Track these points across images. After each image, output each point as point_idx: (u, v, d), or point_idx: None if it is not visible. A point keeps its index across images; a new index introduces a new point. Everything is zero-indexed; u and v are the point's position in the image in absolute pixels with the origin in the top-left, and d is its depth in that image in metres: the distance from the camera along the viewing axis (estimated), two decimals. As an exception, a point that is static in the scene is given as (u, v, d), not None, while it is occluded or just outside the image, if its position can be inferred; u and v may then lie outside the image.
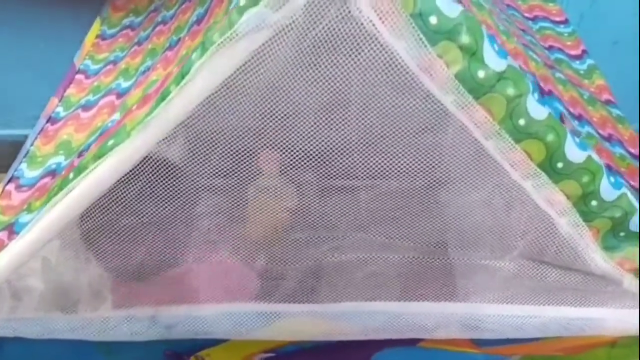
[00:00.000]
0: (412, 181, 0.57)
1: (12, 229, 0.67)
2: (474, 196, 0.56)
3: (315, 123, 0.56)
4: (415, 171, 0.56)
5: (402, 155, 0.55)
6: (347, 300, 0.65)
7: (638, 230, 0.58)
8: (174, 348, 0.66)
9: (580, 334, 0.65)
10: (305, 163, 0.61)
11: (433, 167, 0.55)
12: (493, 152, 0.52)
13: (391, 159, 0.55)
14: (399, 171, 0.55)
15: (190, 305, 0.64)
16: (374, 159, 0.55)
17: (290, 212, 0.70)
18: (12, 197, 0.75)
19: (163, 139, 0.52)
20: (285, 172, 0.66)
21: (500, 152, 0.52)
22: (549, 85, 0.78)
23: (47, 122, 0.84)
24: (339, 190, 0.66)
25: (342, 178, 0.62)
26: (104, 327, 0.63)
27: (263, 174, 0.70)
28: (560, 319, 0.64)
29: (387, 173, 0.56)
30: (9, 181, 0.78)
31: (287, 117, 0.58)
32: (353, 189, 0.65)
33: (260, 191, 0.71)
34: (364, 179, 0.63)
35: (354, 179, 0.63)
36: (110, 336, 0.64)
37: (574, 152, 0.53)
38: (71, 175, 0.57)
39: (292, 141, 0.59)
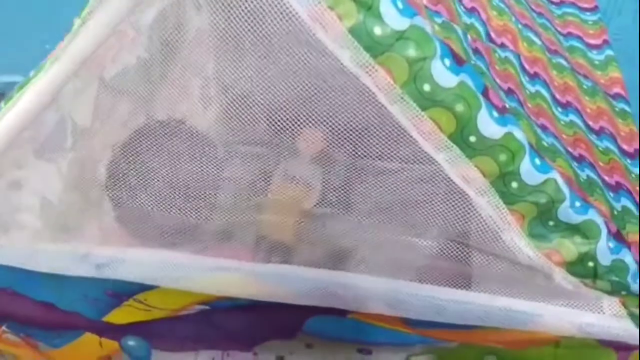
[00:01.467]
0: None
1: None
2: (389, 165, 0.54)
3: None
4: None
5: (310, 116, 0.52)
6: (277, 262, 0.64)
7: (568, 220, 0.54)
8: (113, 288, 0.68)
9: (516, 327, 0.61)
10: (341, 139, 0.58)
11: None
12: (400, 118, 0.49)
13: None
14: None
15: (119, 248, 0.66)
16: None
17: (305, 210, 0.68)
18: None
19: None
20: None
21: (407, 119, 0.49)
22: (536, 68, 0.74)
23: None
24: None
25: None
26: (41, 258, 0.66)
27: (300, 154, 0.67)
28: (485, 308, 0.60)
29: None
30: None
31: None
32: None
33: (284, 178, 0.71)
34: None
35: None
36: (49, 268, 0.66)
37: (490, 127, 0.50)
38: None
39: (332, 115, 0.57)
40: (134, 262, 0.64)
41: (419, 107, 0.48)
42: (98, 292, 0.69)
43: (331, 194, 0.57)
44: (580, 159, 0.66)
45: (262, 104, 0.60)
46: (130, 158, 0.75)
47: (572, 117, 0.69)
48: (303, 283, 0.63)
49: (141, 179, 0.73)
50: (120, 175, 0.77)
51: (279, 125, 0.56)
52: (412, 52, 0.47)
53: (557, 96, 0.70)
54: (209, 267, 0.64)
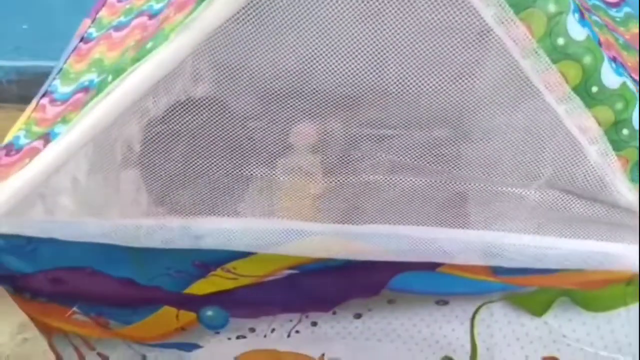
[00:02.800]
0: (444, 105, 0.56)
1: (48, 138, 0.67)
2: (505, 120, 0.55)
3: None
4: (449, 92, 0.55)
5: (438, 75, 0.54)
6: (371, 222, 0.65)
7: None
8: (202, 259, 0.67)
9: (600, 268, 0.65)
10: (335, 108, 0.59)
11: (467, 88, 0.54)
12: (529, 71, 0.51)
13: (425, 78, 0.54)
14: (432, 90, 0.54)
15: (218, 218, 0.65)
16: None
17: (315, 198, 0.69)
18: (46, 110, 0.75)
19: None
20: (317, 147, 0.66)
21: (536, 72, 0.51)
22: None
23: (80, 41, 0.84)
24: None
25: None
26: (137, 234, 0.64)
27: (294, 150, 0.69)
28: (581, 252, 0.63)
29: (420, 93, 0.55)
30: (43, 95, 0.78)
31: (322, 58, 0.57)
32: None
33: (288, 172, 0.71)
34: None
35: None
36: (141, 243, 0.65)
37: (610, 77, 0.52)
38: (110, 78, 0.57)
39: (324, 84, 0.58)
40: (233, 230, 0.63)
41: (550, 60, 0.50)
42: (184, 264, 0.68)
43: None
44: None
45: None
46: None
47: (621, 70, 0.72)
48: (395, 241, 0.64)
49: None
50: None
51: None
52: (551, 7, 0.48)
53: (606, 52, 0.73)
54: (306, 231, 0.64)
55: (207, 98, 0.80)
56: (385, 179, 0.61)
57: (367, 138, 0.66)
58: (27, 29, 1.50)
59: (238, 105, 0.73)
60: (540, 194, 0.59)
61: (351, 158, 0.64)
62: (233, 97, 0.66)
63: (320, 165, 0.68)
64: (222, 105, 0.78)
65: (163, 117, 0.82)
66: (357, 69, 0.55)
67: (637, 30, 0.90)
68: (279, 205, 0.70)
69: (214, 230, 0.63)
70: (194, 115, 0.73)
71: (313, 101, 0.58)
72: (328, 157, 0.67)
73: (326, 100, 0.58)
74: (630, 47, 0.85)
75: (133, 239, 0.64)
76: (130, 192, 0.79)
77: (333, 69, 0.55)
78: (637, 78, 0.76)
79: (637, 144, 0.55)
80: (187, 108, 0.77)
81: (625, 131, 0.55)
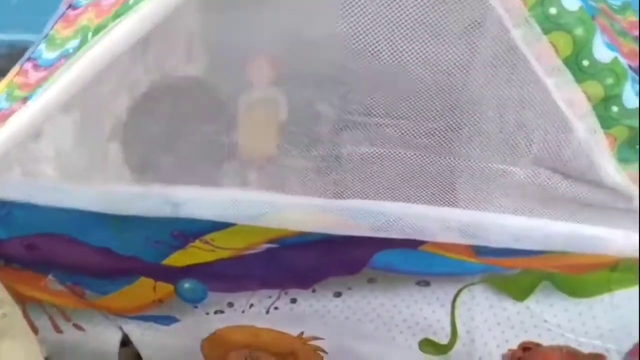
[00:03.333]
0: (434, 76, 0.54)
1: (27, 102, 0.65)
2: (494, 92, 0.53)
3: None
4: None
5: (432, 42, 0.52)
6: (353, 197, 0.63)
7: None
8: (180, 229, 0.65)
9: (584, 251, 0.63)
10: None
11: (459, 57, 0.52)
12: (520, 42, 0.49)
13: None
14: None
15: (198, 187, 0.63)
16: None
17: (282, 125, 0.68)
18: (29, 75, 0.73)
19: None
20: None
21: (527, 43, 0.49)
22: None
23: (68, 8, 0.82)
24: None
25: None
26: (116, 201, 0.62)
27: (253, 86, 0.69)
28: (565, 234, 0.62)
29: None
30: (27, 60, 0.76)
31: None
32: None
33: (251, 104, 0.71)
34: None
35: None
36: (121, 210, 0.62)
37: (602, 51, 0.50)
38: (90, 35, 0.55)
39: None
40: (213, 200, 0.61)
41: (542, 30, 0.48)
42: (163, 234, 0.66)
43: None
44: None
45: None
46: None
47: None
48: (381, 216, 0.62)
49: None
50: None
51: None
52: (544, -25, 0.46)
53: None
54: (287, 203, 0.62)
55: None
56: (370, 151, 0.59)
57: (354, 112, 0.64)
58: (18, 3, 1.47)
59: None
60: (526, 172, 0.57)
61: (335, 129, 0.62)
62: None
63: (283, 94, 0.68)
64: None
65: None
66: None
67: (634, 19, 0.88)
68: (242, 143, 0.70)
69: (193, 198, 0.61)
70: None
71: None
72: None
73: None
74: (627, 34, 0.83)
75: (112, 206, 0.62)
76: (115, 163, 0.77)
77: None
78: (633, 64, 0.75)
79: (627, 123, 0.53)
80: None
81: (614, 108, 0.53)
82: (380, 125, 0.66)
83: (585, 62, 0.50)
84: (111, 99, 0.84)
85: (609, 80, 0.52)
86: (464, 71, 0.53)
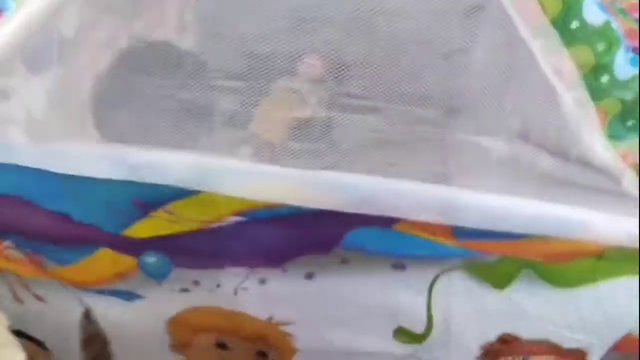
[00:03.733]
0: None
1: None
2: (476, 57, 0.49)
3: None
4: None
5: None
6: (328, 168, 0.59)
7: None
8: (140, 196, 0.61)
9: (567, 236, 0.59)
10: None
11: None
12: (504, -1, 0.44)
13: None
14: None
15: (157, 149, 0.58)
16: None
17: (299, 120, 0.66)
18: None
19: None
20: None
21: (510, -1, 0.44)
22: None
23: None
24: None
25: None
26: (70, 159, 0.58)
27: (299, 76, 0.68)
28: (547, 216, 0.57)
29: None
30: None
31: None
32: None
33: (282, 89, 0.68)
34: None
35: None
36: (73, 169, 0.58)
37: (593, 12, 0.46)
38: None
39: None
40: (176, 164, 0.57)
41: (527, -16, 0.43)
42: (123, 200, 0.62)
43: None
44: None
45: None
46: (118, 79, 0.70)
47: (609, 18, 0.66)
48: (353, 190, 0.58)
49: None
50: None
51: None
52: None
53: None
54: (257, 172, 0.58)
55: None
56: (344, 117, 0.55)
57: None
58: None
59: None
60: (508, 147, 0.53)
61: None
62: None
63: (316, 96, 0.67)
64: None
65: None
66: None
67: (635, 1, 0.84)
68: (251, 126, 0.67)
69: (151, 161, 0.57)
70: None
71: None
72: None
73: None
74: (628, 14, 0.79)
75: (65, 165, 0.57)
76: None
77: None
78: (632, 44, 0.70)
79: (619, 95, 0.49)
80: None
81: (605, 78, 0.48)
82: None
83: (575, 24, 0.46)
84: (91, 63, 0.80)
85: (600, 46, 0.47)
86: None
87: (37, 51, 0.69)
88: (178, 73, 0.68)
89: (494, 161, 0.54)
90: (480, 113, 0.53)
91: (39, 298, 0.74)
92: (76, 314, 0.74)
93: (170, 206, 0.62)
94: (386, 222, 0.60)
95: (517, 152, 0.53)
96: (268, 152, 0.68)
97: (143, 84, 0.67)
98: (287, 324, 0.71)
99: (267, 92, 0.69)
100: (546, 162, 0.53)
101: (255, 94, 0.67)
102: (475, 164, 0.56)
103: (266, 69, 0.65)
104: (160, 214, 0.62)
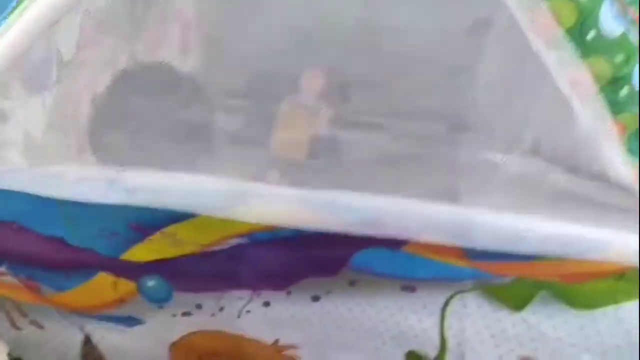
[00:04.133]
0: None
1: None
2: (484, 72, 0.46)
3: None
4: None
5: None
6: (332, 188, 0.56)
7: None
8: (137, 220, 0.58)
9: (584, 256, 0.55)
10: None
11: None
12: (515, 9, 0.42)
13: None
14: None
15: (155, 171, 0.56)
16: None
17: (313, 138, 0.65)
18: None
19: None
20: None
21: (522, 10, 0.42)
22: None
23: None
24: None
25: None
26: (65, 183, 0.55)
27: (303, 92, 0.69)
28: (562, 235, 0.54)
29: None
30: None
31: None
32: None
33: (295, 105, 0.69)
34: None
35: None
36: (70, 195, 0.56)
37: (610, 23, 0.43)
38: None
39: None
40: (173, 186, 0.54)
41: (541, -5, 0.41)
42: (120, 224, 0.59)
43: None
44: None
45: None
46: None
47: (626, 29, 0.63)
48: (358, 210, 0.55)
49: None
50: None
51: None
52: None
53: None
54: (255, 193, 0.55)
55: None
56: (351, 134, 0.52)
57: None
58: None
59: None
60: (522, 162, 0.49)
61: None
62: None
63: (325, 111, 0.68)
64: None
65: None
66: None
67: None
68: (275, 136, 0.68)
69: (149, 184, 0.54)
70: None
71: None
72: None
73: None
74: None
75: (60, 190, 0.55)
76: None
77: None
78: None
79: (638, 109, 0.46)
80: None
81: (624, 91, 0.45)
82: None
83: (591, 34, 0.43)
84: (90, 84, 0.78)
85: (618, 58, 0.44)
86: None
87: (36, 71, 0.69)
88: (177, 95, 0.67)
89: (505, 178, 0.51)
90: (490, 129, 0.50)
91: (37, 325, 0.71)
92: (76, 341, 0.73)
93: (169, 229, 0.59)
94: (395, 244, 0.58)
95: (530, 169, 0.50)
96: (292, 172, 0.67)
97: (140, 105, 0.66)
98: (292, 348, 0.69)
99: (272, 111, 0.69)
100: (561, 178, 0.50)
101: (260, 112, 0.67)
102: (486, 181, 0.52)
103: (271, 88, 0.66)
104: (158, 237, 0.60)
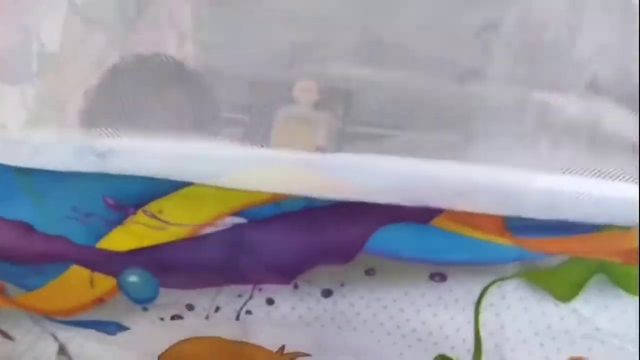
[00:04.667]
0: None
1: None
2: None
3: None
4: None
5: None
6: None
7: None
8: (115, 194, 0.49)
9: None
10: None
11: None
12: None
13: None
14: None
15: (134, 135, 0.47)
16: None
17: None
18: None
19: None
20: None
21: None
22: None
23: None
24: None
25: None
26: (23, 149, 0.47)
27: (297, 103, 0.67)
28: (626, 199, 0.45)
29: None
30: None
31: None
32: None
33: (291, 117, 0.67)
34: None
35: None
36: (30, 161, 0.47)
37: None
38: None
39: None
40: (155, 149, 0.45)
41: None
42: (94, 201, 0.50)
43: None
44: None
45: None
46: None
47: None
48: (378, 173, 0.46)
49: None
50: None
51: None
52: None
53: None
54: (257, 158, 0.46)
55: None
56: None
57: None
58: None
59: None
60: (579, 106, 0.41)
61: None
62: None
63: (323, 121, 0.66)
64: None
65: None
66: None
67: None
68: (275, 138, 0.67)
69: (125, 146, 0.46)
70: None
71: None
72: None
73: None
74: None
75: (20, 155, 0.46)
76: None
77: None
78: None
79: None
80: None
81: None
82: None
83: None
84: (80, 78, 0.76)
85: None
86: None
87: (13, 61, 0.69)
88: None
89: (557, 127, 0.42)
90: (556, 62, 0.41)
91: (5, 335, 0.62)
92: (50, 353, 0.62)
93: (153, 208, 0.50)
94: (422, 216, 0.48)
95: (588, 113, 0.41)
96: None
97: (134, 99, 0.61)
98: (301, 355, 0.59)
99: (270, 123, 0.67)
100: (627, 123, 0.41)
101: (258, 124, 0.65)
102: (533, 132, 0.44)
103: (268, 98, 0.64)
104: (140, 219, 0.51)
